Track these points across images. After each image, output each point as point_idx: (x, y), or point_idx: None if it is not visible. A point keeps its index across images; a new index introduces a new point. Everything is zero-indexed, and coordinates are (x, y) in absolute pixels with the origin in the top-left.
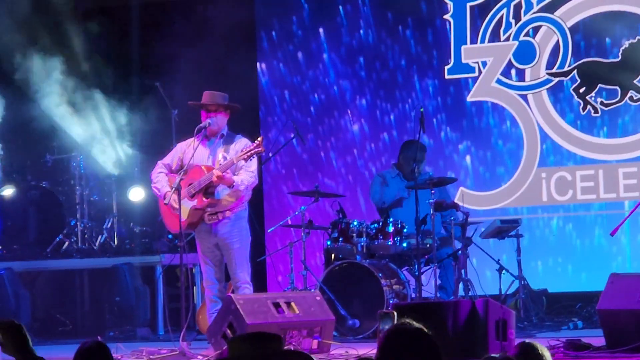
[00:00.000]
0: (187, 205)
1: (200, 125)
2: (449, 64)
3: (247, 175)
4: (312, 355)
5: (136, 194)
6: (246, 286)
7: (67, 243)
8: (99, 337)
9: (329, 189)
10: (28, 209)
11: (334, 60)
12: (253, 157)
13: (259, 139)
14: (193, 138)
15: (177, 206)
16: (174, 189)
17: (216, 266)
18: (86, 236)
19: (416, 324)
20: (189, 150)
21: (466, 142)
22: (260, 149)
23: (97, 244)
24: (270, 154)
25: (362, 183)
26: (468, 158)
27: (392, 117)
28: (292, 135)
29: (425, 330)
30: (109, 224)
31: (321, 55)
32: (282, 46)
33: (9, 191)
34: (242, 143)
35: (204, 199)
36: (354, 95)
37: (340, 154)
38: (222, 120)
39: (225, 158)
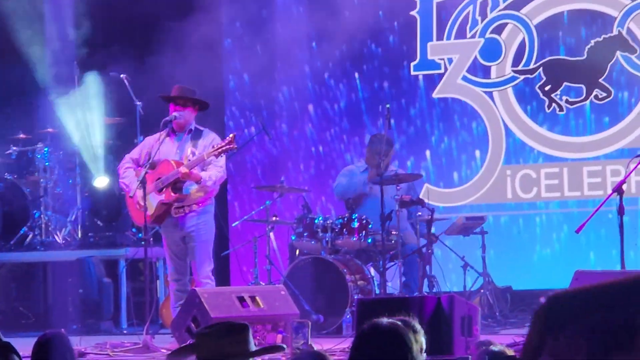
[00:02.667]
0: (154, 199)
1: (167, 118)
2: (415, 60)
3: (215, 170)
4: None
5: (101, 182)
6: (207, 281)
7: (30, 235)
8: (62, 330)
9: (295, 184)
10: None
11: (299, 54)
12: (223, 154)
13: (231, 135)
14: (161, 132)
15: (142, 201)
16: (138, 182)
17: (181, 260)
18: (50, 229)
19: (389, 321)
20: (157, 145)
21: (431, 138)
22: (232, 145)
23: (61, 236)
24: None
25: (327, 178)
26: (433, 154)
27: (358, 113)
28: (258, 130)
29: (398, 325)
30: (73, 217)
31: (288, 49)
32: (247, 40)
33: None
34: (210, 138)
35: (172, 193)
36: (320, 90)
37: (305, 149)
38: (190, 115)
39: (193, 153)
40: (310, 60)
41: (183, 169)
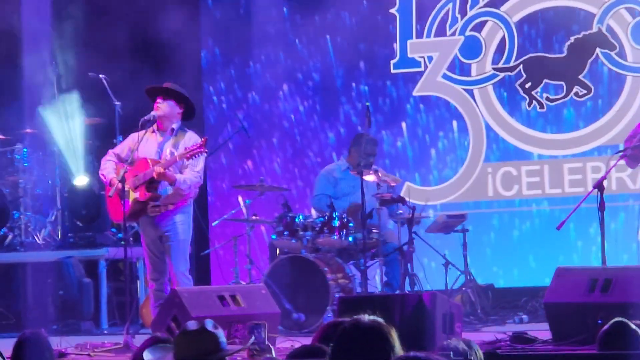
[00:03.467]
0: (132, 197)
1: (145, 117)
2: (394, 58)
3: (191, 174)
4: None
5: (81, 181)
6: (183, 279)
7: (10, 236)
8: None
9: (274, 183)
10: None
11: (278, 52)
12: (197, 157)
13: (203, 139)
14: (143, 130)
15: (122, 193)
16: (118, 180)
17: (160, 259)
18: (30, 229)
19: (370, 318)
20: (140, 141)
21: (412, 136)
22: (202, 149)
23: (40, 237)
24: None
25: (307, 176)
26: (414, 153)
27: (338, 111)
28: (237, 128)
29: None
30: (53, 217)
31: (266, 47)
32: (226, 38)
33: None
34: (190, 140)
35: (146, 192)
36: (299, 87)
37: (285, 147)
38: (172, 110)
39: (172, 153)
40: (288, 60)
41: (158, 169)
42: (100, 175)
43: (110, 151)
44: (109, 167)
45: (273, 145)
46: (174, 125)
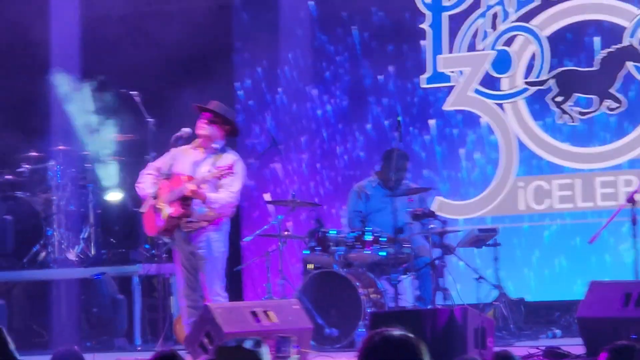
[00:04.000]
0: (166, 211)
1: (177, 134)
2: (425, 73)
3: (225, 194)
4: None
5: (114, 196)
6: (219, 298)
7: (43, 253)
8: (75, 347)
9: (306, 198)
10: (5, 219)
11: (312, 68)
12: (225, 177)
13: (231, 161)
14: (186, 146)
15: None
16: (152, 196)
17: (193, 275)
18: (63, 246)
19: (399, 331)
20: (180, 156)
21: (443, 151)
22: (230, 170)
23: (74, 254)
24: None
25: (340, 192)
26: (445, 167)
27: (369, 126)
28: (269, 144)
29: (409, 336)
30: (86, 234)
31: (299, 63)
32: (258, 55)
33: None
34: (226, 160)
35: (180, 208)
36: (331, 104)
37: (317, 163)
38: (216, 131)
39: (209, 172)
40: (317, 82)
41: (190, 186)
42: (137, 187)
43: (151, 164)
44: (147, 181)
45: (300, 146)
46: (216, 145)
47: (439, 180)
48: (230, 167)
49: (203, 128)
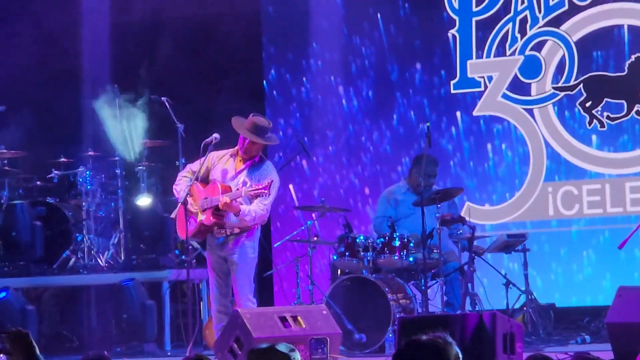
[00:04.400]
0: (199, 217)
1: (207, 140)
2: (454, 78)
3: (258, 207)
4: None
5: (144, 201)
6: (248, 304)
7: (73, 259)
8: (105, 352)
9: (336, 204)
10: (35, 225)
11: (340, 74)
12: (260, 197)
13: (267, 181)
14: (226, 151)
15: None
16: (181, 202)
17: (223, 280)
18: (93, 252)
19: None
20: (218, 162)
21: (472, 156)
22: (265, 190)
23: (103, 259)
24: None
25: (368, 197)
26: (474, 172)
27: (399, 131)
28: (298, 150)
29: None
30: (116, 240)
31: (328, 69)
32: (288, 58)
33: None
34: (264, 173)
35: (212, 218)
36: (360, 109)
37: (347, 169)
38: (256, 151)
39: (245, 183)
40: (347, 82)
41: (224, 199)
42: (174, 189)
43: (188, 166)
44: (183, 184)
45: (335, 166)
46: (255, 157)
47: (469, 185)
48: (266, 187)
49: (245, 151)
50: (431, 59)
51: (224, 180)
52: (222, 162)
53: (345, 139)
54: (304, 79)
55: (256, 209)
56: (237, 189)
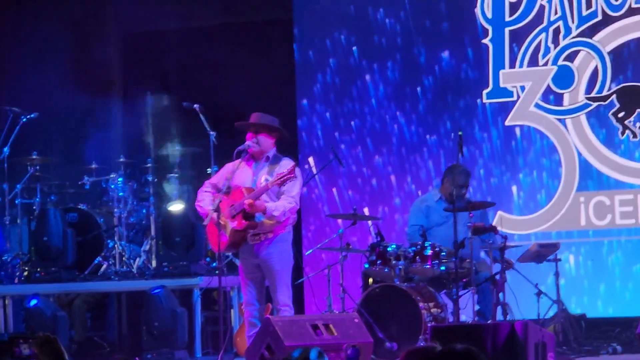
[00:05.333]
0: (229, 226)
1: (240, 147)
2: (487, 88)
3: (285, 201)
4: None
5: (176, 206)
6: (286, 309)
7: (105, 265)
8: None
9: (368, 212)
10: (67, 231)
11: (373, 84)
12: (287, 182)
13: (290, 165)
14: (238, 159)
15: (218, 224)
16: (213, 210)
17: (256, 287)
18: (124, 259)
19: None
20: (237, 170)
21: (504, 166)
22: (292, 175)
23: (135, 266)
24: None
25: (400, 206)
26: (506, 182)
27: (431, 140)
28: (331, 158)
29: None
30: (147, 247)
31: (361, 78)
32: (322, 68)
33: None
34: (284, 166)
35: (243, 220)
36: (392, 119)
37: (378, 177)
38: (266, 142)
39: (267, 181)
40: (377, 90)
41: (247, 201)
42: (197, 207)
43: (207, 182)
44: (206, 199)
45: (367, 174)
46: (269, 154)
47: (501, 195)
48: (291, 172)
49: (253, 144)
50: (467, 90)
51: (248, 184)
52: (238, 170)
53: (370, 122)
54: (341, 93)
55: (284, 203)
56: (262, 185)
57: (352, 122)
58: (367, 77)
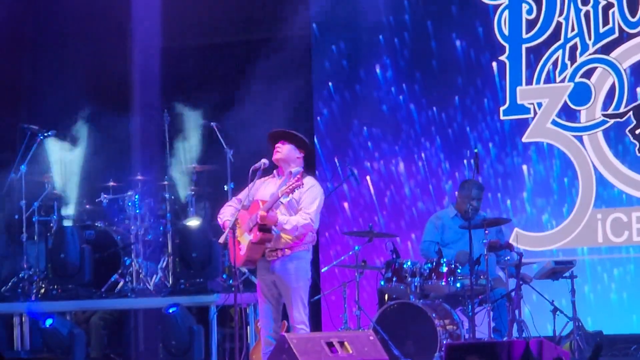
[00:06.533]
0: (246, 239)
1: (255, 166)
2: (504, 105)
3: (300, 217)
4: None
5: (194, 222)
6: (302, 327)
7: (122, 282)
8: None
9: (383, 229)
10: (84, 249)
11: (389, 100)
12: (303, 194)
13: (299, 174)
14: (269, 176)
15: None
16: (230, 227)
17: (273, 304)
18: (141, 276)
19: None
20: (261, 186)
21: (521, 182)
22: (298, 182)
23: (152, 283)
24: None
25: (416, 223)
26: (522, 199)
27: (447, 157)
28: (347, 176)
29: None
30: (164, 264)
31: (377, 94)
32: (339, 88)
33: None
34: (305, 184)
35: (259, 233)
36: (409, 135)
37: (394, 195)
38: (291, 153)
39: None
40: (394, 104)
41: (260, 212)
42: (218, 218)
43: (234, 197)
44: (226, 212)
45: (384, 192)
46: (292, 169)
47: (518, 211)
48: (298, 179)
49: (278, 151)
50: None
51: (265, 199)
52: (264, 185)
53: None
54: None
55: (297, 218)
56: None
57: (369, 144)
58: (386, 98)
